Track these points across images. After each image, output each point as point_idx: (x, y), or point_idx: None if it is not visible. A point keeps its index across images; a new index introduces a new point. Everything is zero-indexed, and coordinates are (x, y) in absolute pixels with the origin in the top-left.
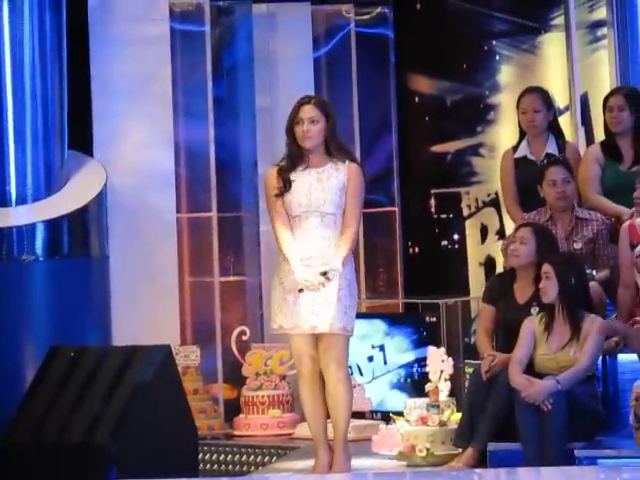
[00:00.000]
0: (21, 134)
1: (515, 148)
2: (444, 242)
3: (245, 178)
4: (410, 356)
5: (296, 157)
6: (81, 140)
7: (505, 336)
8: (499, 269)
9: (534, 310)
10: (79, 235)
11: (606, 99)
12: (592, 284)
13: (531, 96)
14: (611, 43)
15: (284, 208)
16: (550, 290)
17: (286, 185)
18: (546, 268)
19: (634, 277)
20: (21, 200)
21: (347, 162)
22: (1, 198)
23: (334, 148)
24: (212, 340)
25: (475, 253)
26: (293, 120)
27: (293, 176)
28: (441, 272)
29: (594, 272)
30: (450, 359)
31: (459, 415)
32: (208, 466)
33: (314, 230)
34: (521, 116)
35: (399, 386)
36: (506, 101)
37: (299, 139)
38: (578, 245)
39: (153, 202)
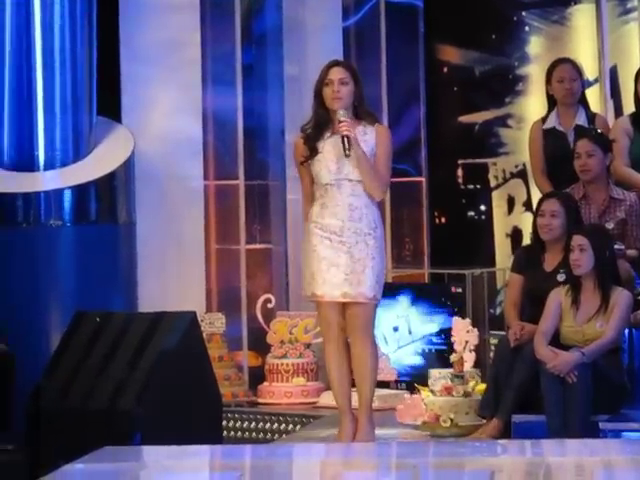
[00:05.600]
0: (50, 100)
1: (544, 119)
2: (471, 213)
3: (273, 146)
4: (435, 326)
5: (323, 123)
6: (109, 106)
7: (532, 306)
8: (526, 241)
9: (561, 277)
10: (106, 201)
11: (639, 71)
12: (620, 261)
13: (567, 65)
14: None
15: (313, 177)
16: (585, 262)
17: (312, 153)
18: (581, 240)
19: None
20: (49, 165)
21: (375, 125)
22: (29, 163)
23: (363, 112)
24: (237, 307)
25: (502, 224)
26: (322, 82)
27: (321, 144)
28: (467, 243)
29: (627, 251)
30: (475, 330)
31: (483, 386)
32: (232, 433)
33: (345, 199)
34: (557, 85)
35: (424, 356)
36: (535, 72)
37: (328, 101)
38: (610, 225)
39: (180, 169)
